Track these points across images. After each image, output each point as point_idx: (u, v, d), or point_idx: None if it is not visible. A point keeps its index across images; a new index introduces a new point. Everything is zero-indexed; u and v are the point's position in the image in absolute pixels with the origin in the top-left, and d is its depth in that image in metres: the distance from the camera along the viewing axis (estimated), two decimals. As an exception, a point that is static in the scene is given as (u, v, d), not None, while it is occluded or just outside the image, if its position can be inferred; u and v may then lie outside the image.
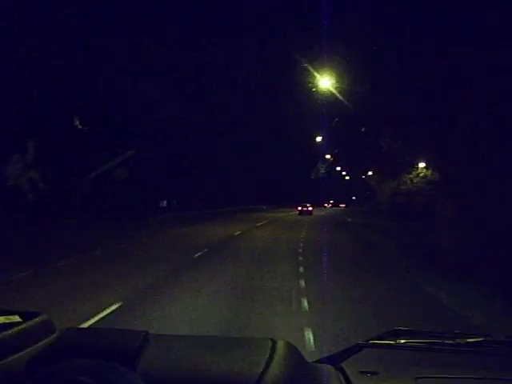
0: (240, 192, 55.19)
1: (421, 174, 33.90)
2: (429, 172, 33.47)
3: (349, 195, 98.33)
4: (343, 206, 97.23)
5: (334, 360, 1.34)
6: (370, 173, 50.45)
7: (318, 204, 59.66)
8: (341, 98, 19.64)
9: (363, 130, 34.39)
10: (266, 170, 64.13)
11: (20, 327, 1.15)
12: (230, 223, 28.02)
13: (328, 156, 58.69)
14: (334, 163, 60.99)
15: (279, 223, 30.16)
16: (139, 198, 29.31)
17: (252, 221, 30.33)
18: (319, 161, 59.06)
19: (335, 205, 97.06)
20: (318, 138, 44.74)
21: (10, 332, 1.11)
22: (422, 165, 33.79)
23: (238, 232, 20.42)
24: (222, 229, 22.97)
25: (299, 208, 47.37)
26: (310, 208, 47.73)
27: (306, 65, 18.67)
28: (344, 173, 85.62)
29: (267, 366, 1.03)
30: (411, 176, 34.29)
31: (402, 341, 1.40)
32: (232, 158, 48.96)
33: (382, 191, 37.55)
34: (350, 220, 35.54)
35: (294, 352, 1.17)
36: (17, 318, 1.21)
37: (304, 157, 66.27)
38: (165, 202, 40.69)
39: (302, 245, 15.70)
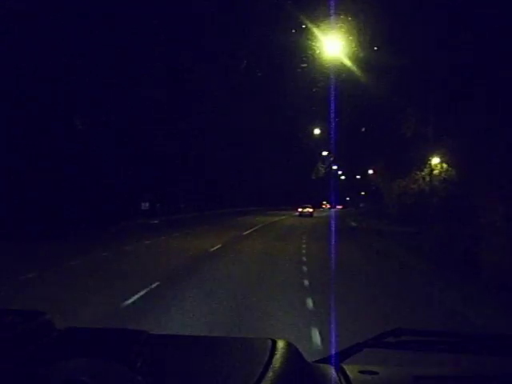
0: (232, 193, 52.54)
1: (435, 172, 29.85)
2: (444, 169, 29.50)
3: (343, 196, 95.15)
4: (340, 207, 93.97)
5: (334, 360, 1.31)
6: (370, 171, 47.15)
7: (316, 205, 55.98)
8: (351, 66, 14.93)
9: (363, 129, 31.76)
10: (260, 170, 61.24)
11: (20, 326, 1.11)
12: (213, 230, 23.04)
13: (325, 153, 55.52)
14: (333, 162, 58.09)
15: (273, 230, 24.96)
16: (119, 199, 26.77)
17: (240, 227, 25.26)
18: (319, 160, 57.47)
19: (332, 207, 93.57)
20: (317, 131, 40.84)
21: (9, 331, 1.08)
22: (435, 160, 29.83)
23: (218, 245, 15.30)
24: (198, 239, 17.96)
25: (299, 209, 45.16)
26: (311, 210, 45.27)
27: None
28: (340, 172, 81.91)
29: (267, 366, 1.02)
30: (423, 173, 30.08)
31: (403, 340, 1.32)
32: (225, 157, 46.49)
33: (390, 191, 32.97)
34: (354, 225, 30.77)
35: (294, 352, 1.15)
36: (17, 318, 1.15)
37: (302, 156, 63.59)
38: (147, 204, 36.71)
39: (305, 269, 10.69)
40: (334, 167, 71.19)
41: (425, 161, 31.10)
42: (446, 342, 1.39)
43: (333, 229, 27.20)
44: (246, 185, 56.75)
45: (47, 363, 0.89)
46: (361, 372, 1.22)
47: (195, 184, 41.03)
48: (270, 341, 1.15)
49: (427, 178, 30.44)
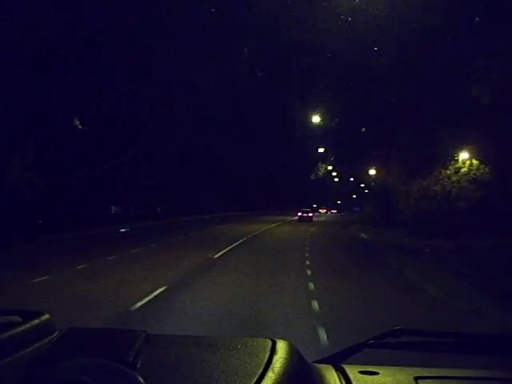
0: (218, 196, 49.30)
1: (463, 170, 24.13)
2: (474, 166, 23.93)
3: (337, 199, 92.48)
4: (334, 211, 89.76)
5: (334, 360, 1.32)
6: (371, 171, 43.03)
7: (312, 209, 53.72)
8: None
9: (363, 130, 29.20)
10: (255, 173, 59.34)
11: (20, 326, 1.11)
12: (174, 249, 16.42)
13: (321, 150, 52.64)
14: (332, 161, 56.05)
15: (260, 248, 17.61)
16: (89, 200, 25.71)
17: (215, 242, 18.50)
18: (319, 160, 56.55)
19: (328, 210, 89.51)
20: (315, 126, 36.79)
21: (9, 331, 1.07)
22: (463, 156, 24.19)
23: (159, 290, 8.38)
24: (136, 271, 11.11)
25: (299, 214, 45.76)
26: (310, 214, 45.82)
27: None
28: (335, 173, 76.85)
29: (267, 366, 1.02)
30: (448, 172, 24.32)
31: (403, 341, 1.36)
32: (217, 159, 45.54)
33: (405, 193, 27.29)
34: (365, 236, 24.44)
35: (294, 352, 1.14)
36: (17, 318, 1.16)
37: (297, 158, 60.90)
38: (118, 208, 34.01)
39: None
40: (329, 167, 65.99)
41: (451, 156, 25.30)
42: (446, 342, 1.40)
43: (342, 245, 20.46)
44: (233, 187, 54.24)
45: (47, 363, 0.90)
46: (361, 372, 1.22)
47: (177, 186, 38.17)
48: (270, 341, 1.14)
49: (453, 178, 24.52)
